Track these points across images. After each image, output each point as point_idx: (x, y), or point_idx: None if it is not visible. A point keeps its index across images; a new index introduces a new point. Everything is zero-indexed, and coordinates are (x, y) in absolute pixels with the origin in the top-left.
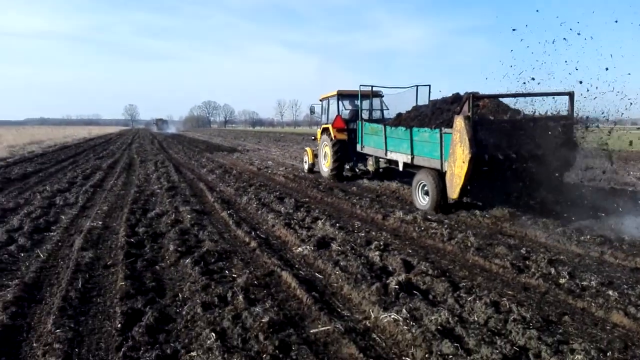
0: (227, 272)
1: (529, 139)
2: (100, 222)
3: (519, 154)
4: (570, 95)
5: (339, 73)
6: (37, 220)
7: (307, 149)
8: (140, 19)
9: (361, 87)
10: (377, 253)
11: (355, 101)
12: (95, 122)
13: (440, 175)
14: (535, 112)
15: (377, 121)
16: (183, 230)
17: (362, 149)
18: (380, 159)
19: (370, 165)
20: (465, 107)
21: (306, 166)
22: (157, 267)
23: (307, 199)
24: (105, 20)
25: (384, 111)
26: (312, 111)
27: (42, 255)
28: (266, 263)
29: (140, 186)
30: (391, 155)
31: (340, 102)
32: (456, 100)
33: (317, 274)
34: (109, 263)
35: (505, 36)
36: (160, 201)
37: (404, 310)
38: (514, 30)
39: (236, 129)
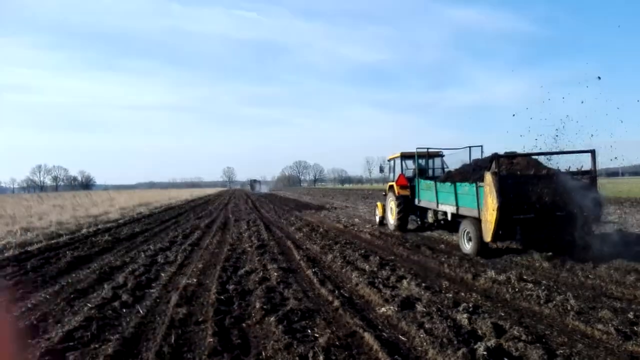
0: (309, 331)
1: (552, 192)
2: (195, 280)
3: (543, 204)
4: (592, 152)
5: (429, 129)
6: (140, 278)
7: (378, 203)
8: (240, 90)
9: (417, 149)
10: (465, 315)
11: (419, 160)
12: (197, 184)
13: (478, 223)
14: (559, 167)
15: (432, 178)
16: (269, 288)
17: (418, 203)
18: (438, 212)
19: (430, 218)
20: (494, 165)
21: (377, 219)
22: (243, 324)
23: (392, 257)
24: (210, 92)
25: (445, 169)
26: (381, 170)
27: (141, 311)
28: (348, 323)
29: (233, 244)
30: (441, 207)
31: (403, 162)
32: (494, 159)
33: (400, 336)
34: (200, 319)
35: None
36: (250, 259)
37: None
38: (599, 78)
39: (325, 187)
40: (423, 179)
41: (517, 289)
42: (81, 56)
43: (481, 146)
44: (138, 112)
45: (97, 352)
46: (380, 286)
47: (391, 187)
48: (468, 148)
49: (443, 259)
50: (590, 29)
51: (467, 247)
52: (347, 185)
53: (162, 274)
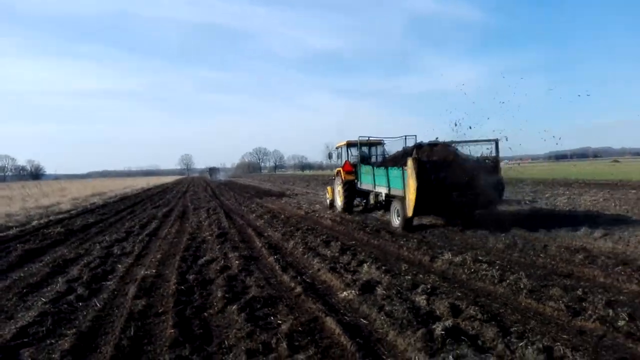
0: (272, 318)
1: (463, 175)
2: (153, 271)
3: (455, 185)
4: (496, 142)
5: (388, 115)
6: (95, 270)
7: (328, 187)
8: (196, 76)
9: (360, 137)
10: (423, 297)
11: (363, 148)
12: (154, 172)
13: (404, 201)
14: (470, 154)
15: (372, 164)
16: (231, 276)
17: (360, 186)
18: (378, 194)
19: (372, 199)
20: (415, 152)
21: (327, 202)
22: (205, 314)
23: (353, 242)
24: (165, 78)
25: (386, 156)
26: (330, 156)
27: (98, 305)
28: (311, 309)
29: (193, 233)
30: (377, 189)
31: (349, 149)
32: (426, 146)
33: (361, 319)
34: (160, 311)
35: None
36: (210, 248)
37: (450, 357)
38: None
39: (285, 173)
40: (364, 164)
41: (472, 270)
42: (27, 42)
43: (415, 136)
44: (90, 100)
45: (52, 347)
46: (342, 271)
47: (338, 172)
48: (404, 137)
49: (402, 242)
50: (541, 19)
51: (396, 222)
52: (307, 172)
53: (119, 266)
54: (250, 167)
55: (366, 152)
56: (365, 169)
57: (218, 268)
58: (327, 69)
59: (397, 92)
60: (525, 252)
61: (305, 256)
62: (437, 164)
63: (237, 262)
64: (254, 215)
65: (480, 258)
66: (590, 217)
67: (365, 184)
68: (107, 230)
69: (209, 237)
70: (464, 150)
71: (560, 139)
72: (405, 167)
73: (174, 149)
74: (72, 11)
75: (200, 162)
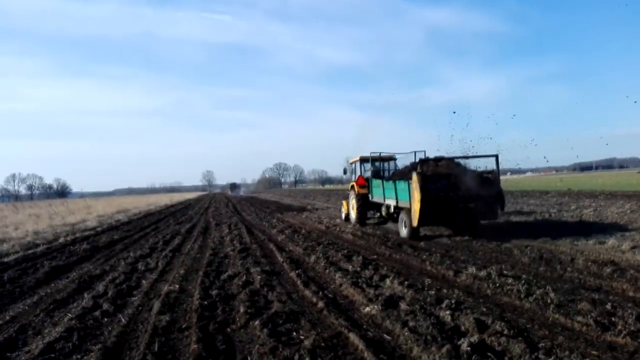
0: (294, 333)
1: (465, 188)
2: (177, 286)
3: (458, 197)
4: (496, 156)
5: (407, 128)
6: (121, 286)
7: (344, 201)
8: (216, 93)
9: (372, 153)
10: (448, 312)
11: (375, 163)
12: (177, 189)
13: (410, 212)
14: (474, 168)
15: (381, 178)
16: (253, 291)
17: (372, 199)
18: (389, 206)
19: (383, 212)
20: (419, 167)
21: (343, 215)
22: (228, 329)
23: (375, 257)
24: (187, 96)
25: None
26: (345, 172)
27: (123, 320)
28: (333, 324)
29: (215, 249)
30: (387, 201)
31: (362, 164)
32: (431, 161)
33: (385, 334)
34: (183, 326)
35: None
36: (232, 263)
37: None
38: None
39: (306, 188)
40: (375, 178)
41: (497, 284)
42: (54, 62)
43: (424, 151)
44: (113, 118)
45: None
46: (364, 286)
47: (352, 186)
48: (414, 152)
49: (425, 257)
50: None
51: (404, 232)
52: (327, 186)
53: (144, 282)
54: (271, 183)
55: (379, 167)
56: (376, 183)
57: (240, 283)
58: (345, 83)
59: (417, 105)
60: (551, 265)
61: (327, 271)
62: (440, 177)
63: (259, 277)
64: (275, 230)
65: (505, 272)
66: (618, 229)
67: (376, 196)
68: (132, 247)
69: (231, 253)
70: (472, 164)
71: (577, 155)
72: (411, 181)
73: (196, 166)
74: (100, 33)
75: (222, 178)
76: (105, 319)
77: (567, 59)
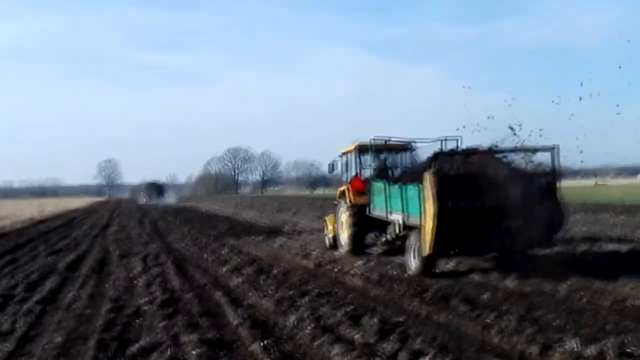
0: None
1: (506, 193)
2: None
3: (493, 210)
4: (553, 150)
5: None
6: None
7: (328, 217)
8: (128, 19)
9: (375, 138)
10: None
11: (382, 156)
12: (52, 190)
13: (422, 233)
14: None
15: (386, 180)
16: None
17: (370, 212)
18: (396, 225)
19: (390, 233)
20: (434, 164)
21: (327, 240)
22: None
23: (401, 318)
24: (74, 23)
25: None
26: (332, 168)
27: None
28: None
29: (118, 300)
30: (392, 216)
31: (360, 157)
32: (454, 153)
33: None
34: None
35: None
36: (149, 325)
37: None
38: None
39: (282, 193)
40: (377, 180)
41: None
42: None
43: (459, 138)
44: None
45: None
46: None
47: (343, 192)
48: (442, 140)
49: (489, 320)
50: None
51: (412, 264)
52: (320, 191)
53: None
54: (220, 183)
55: (387, 161)
56: (377, 187)
57: None
58: (359, 6)
59: (486, 47)
60: None
61: (317, 342)
62: (468, 180)
63: (195, 351)
64: (225, 268)
65: (630, 350)
66: None
67: (377, 209)
68: None
69: (147, 307)
70: (522, 160)
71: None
72: (423, 185)
73: (87, 153)
74: None
75: (133, 174)
76: None
77: None
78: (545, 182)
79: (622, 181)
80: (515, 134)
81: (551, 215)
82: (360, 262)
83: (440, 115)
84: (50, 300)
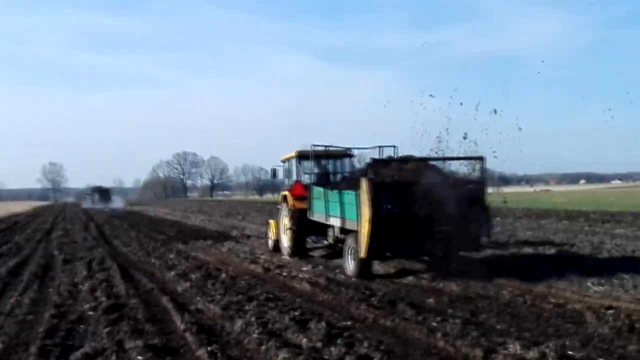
0: None
1: (437, 200)
2: None
3: (426, 216)
4: (482, 159)
5: (412, 95)
6: None
7: (271, 221)
8: (72, 20)
9: (313, 146)
10: None
11: (322, 162)
12: None
13: (358, 237)
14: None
15: (324, 186)
16: None
17: (311, 216)
18: (335, 229)
19: (331, 237)
20: (370, 171)
21: (270, 242)
22: None
23: (348, 322)
24: (21, 25)
25: (354, 173)
26: (274, 174)
27: None
28: None
29: (62, 305)
30: (331, 221)
31: (300, 163)
32: (389, 161)
33: None
34: None
35: None
36: (93, 331)
37: None
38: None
39: (231, 198)
40: (317, 186)
41: None
42: None
43: (394, 146)
44: None
45: None
46: None
47: (285, 197)
48: (378, 148)
49: (435, 324)
50: None
51: (350, 267)
52: (269, 196)
53: None
54: (168, 188)
55: (329, 168)
56: (316, 192)
57: None
58: (305, 12)
59: (432, 55)
60: None
61: (264, 347)
62: (403, 186)
63: (140, 357)
64: (172, 273)
65: (570, 353)
66: None
67: (317, 213)
68: None
69: (91, 313)
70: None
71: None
72: (360, 190)
73: (31, 154)
74: None
75: (78, 179)
76: None
77: None
78: (473, 190)
79: (563, 188)
80: (440, 142)
81: (479, 221)
82: (308, 267)
83: (388, 122)
84: None
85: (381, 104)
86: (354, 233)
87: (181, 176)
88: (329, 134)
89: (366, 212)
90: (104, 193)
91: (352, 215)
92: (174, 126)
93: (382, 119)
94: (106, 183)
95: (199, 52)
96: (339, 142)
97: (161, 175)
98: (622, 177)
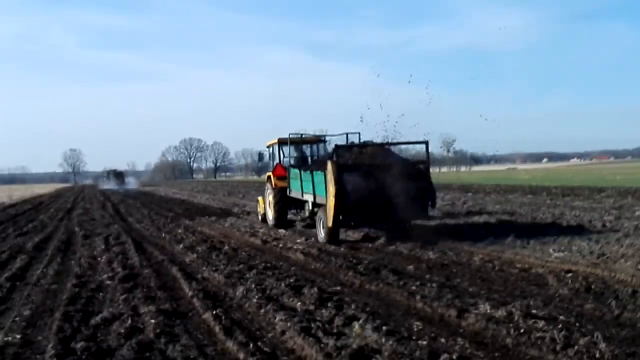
0: None
1: (390, 180)
2: (18, 336)
3: (380, 192)
4: (427, 143)
5: (392, 86)
6: None
7: (260, 198)
8: (83, 20)
9: (291, 134)
10: None
11: (300, 147)
12: (19, 178)
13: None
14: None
15: (300, 168)
16: (143, 344)
17: (289, 193)
18: (309, 203)
19: (307, 211)
20: (335, 155)
21: (260, 216)
22: None
23: (338, 288)
24: (32, 24)
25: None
26: (261, 158)
27: None
28: None
29: (83, 276)
30: (305, 197)
31: (282, 149)
32: (351, 146)
33: None
34: None
35: None
36: (110, 299)
37: None
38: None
39: (232, 179)
40: (294, 168)
41: (522, 330)
42: None
43: (359, 133)
44: None
45: None
46: (320, 334)
47: (269, 177)
48: (346, 135)
49: (414, 288)
50: None
51: (321, 235)
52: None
53: None
54: (176, 170)
55: (304, 153)
56: (294, 174)
57: (123, 331)
58: (295, 14)
59: (410, 50)
60: (603, 302)
61: (263, 311)
62: (362, 167)
63: (153, 321)
64: (181, 246)
65: (534, 311)
66: None
67: (294, 191)
68: None
69: (109, 282)
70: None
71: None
72: (327, 171)
73: (53, 142)
74: None
75: (96, 163)
76: None
77: None
78: (420, 169)
79: (528, 166)
80: (395, 131)
81: (426, 194)
82: (302, 240)
83: (364, 109)
84: (19, 277)
85: (361, 93)
86: (324, 207)
87: (188, 160)
88: (317, 119)
89: (332, 189)
90: (119, 175)
91: (321, 192)
92: (180, 115)
93: (361, 106)
94: (121, 167)
95: (201, 48)
96: (328, 125)
97: (170, 159)
98: (580, 155)
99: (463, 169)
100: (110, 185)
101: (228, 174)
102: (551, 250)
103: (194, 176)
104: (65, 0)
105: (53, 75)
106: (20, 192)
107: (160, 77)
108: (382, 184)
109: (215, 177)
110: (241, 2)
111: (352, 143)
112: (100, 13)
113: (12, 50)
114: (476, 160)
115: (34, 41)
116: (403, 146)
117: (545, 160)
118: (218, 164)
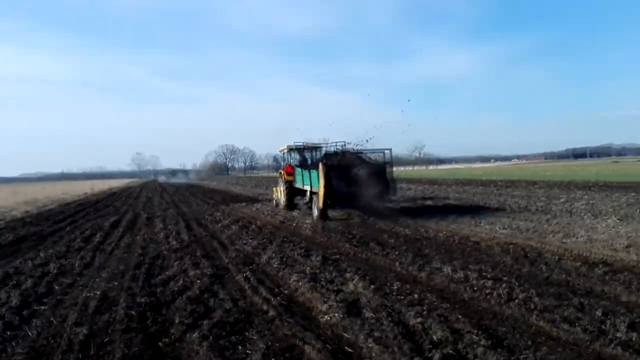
0: (240, 347)
1: (362, 177)
2: (98, 292)
3: (355, 185)
4: (390, 150)
5: (375, 107)
6: (27, 293)
7: (274, 188)
8: (153, 60)
9: (296, 143)
10: (419, 320)
11: (303, 152)
12: (99, 175)
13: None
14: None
15: (302, 167)
16: (191, 298)
17: (295, 185)
18: (308, 192)
19: (307, 197)
20: (324, 158)
21: (274, 202)
22: (160, 343)
23: (337, 255)
24: (114, 61)
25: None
26: (275, 160)
27: (30, 334)
28: (287, 335)
29: (145, 247)
30: (306, 187)
31: (290, 153)
32: (335, 153)
33: (347, 347)
34: (105, 340)
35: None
36: (166, 265)
37: None
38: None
39: (258, 175)
40: (298, 167)
41: (476, 288)
42: None
43: (344, 142)
44: (19, 86)
45: None
46: (323, 290)
47: (281, 173)
48: (335, 144)
49: (394, 256)
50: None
51: (315, 213)
52: None
53: (56, 287)
54: (216, 169)
55: (306, 156)
56: (298, 171)
57: (176, 288)
58: (304, 54)
59: (384, 81)
60: (536, 266)
61: (280, 272)
62: (342, 168)
63: (199, 280)
64: (219, 225)
65: (485, 274)
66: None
67: (299, 183)
68: (42, 245)
69: (165, 252)
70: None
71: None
72: (319, 170)
73: (123, 148)
74: None
75: (155, 162)
76: (8, 333)
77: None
78: (382, 169)
79: (479, 165)
80: (367, 141)
81: (384, 188)
82: (310, 220)
83: (354, 124)
84: (98, 248)
85: (351, 113)
86: (317, 194)
87: (224, 160)
88: (321, 131)
89: (322, 182)
90: (174, 172)
91: (315, 184)
92: (220, 127)
93: (352, 122)
94: (174, 166)
95: (236, 81)
96: (329, 134)
97: (210, 160)
98: (519, 157)
99: (430, 167)
100: (167, 179)
101: (255, 171)
102: (497, 228)
103: (229, 173)
104: (142, 44)
105: (125, 98)
106: (99, 185)
107: (203, 99)
108: (355, 179)
109: (245, 174)
110: (266, 46)
111: (336, 150)
112: (165, 53)
113: (103, 81)
114: (440, 160)
115: (117, 74)
116: (376, 151)
117: (492, 160)
118: (247, 164)
